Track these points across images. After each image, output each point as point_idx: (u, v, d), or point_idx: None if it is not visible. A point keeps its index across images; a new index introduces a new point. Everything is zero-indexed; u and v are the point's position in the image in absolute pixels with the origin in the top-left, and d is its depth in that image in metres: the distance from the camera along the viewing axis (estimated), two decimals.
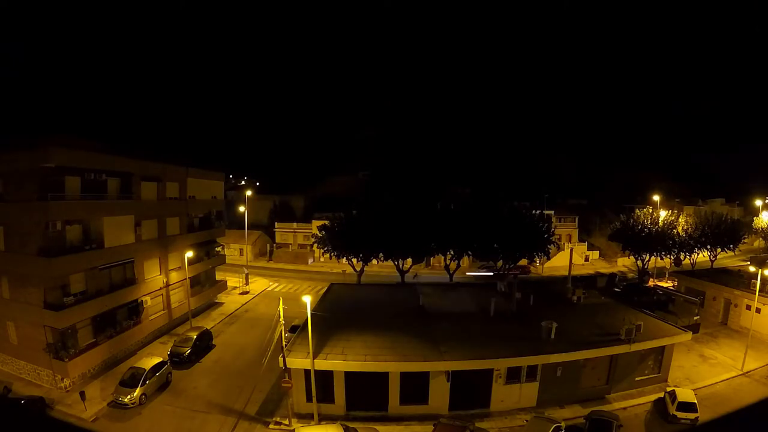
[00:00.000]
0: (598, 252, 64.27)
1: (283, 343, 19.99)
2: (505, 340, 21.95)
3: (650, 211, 47.60)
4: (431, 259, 47.54)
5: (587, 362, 21.77)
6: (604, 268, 57.87)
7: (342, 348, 20.82)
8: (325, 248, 39.41)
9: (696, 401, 19.67)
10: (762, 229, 60.26)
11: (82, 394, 20.42)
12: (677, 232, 45.45)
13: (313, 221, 56.13)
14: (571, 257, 36.18)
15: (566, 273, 34.98)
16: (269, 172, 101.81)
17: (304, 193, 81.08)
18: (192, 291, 32.15)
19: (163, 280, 30.20)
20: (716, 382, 24.05)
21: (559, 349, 21.01)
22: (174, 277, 31.23)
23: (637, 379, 23.13)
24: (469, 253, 38.98)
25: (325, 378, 20.04)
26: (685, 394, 20.22)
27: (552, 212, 60.53)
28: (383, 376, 20.12)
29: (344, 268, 42.84)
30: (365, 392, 20.25)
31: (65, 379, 22.07)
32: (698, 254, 47.83)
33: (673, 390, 20.88)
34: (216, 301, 38.73)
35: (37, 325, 22.35)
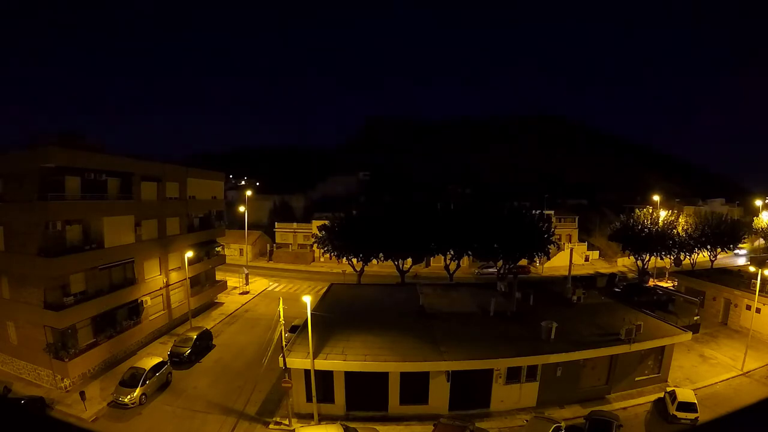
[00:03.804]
0: (598, 252, 64.30)
1: (283, 343, 19.99)
2: (505, 340, 21.98)
3: (650, 211, 47.60)
4: (431, 259, 47.52)
5: (587, 362, 21.77)
6: (604, 268, 57.85)
7: (342, 348, 20.82)
8: (326, 248, 39.39)
9: (696, 401, 19.67)
10: (762, 229, 60.30)
11: (82, 394, 20.44)
12: (677, 232, 45.48)
13: (313, 221, 56.23)
14: (571, 257, 36.12)
15: (566, 273, 34.92)
16: (269, 172, 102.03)
17: (304, 193, 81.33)
18: (192, 291, 32.15)
19: (163, 280, 30.21)
20: (716, 382, 24.06)
21: (559, 349, 21.02)
22: (174, 277, 31.24)
23: (637, 379, 23.12)
24: (469, 253, 39.00)
25: (325, 378, 20.03)
26: (685, 394, 20.22)
27: (552, 212, 60.60)
28: (383, 376, 20.12)
29: (344, 268, 42.84)
30: (365, 392, 20.24)
31: (65, 379, 22.07)
32: (698, 254, 47.86)
33: (673, 390, 20.89)
34: (216, 301, 38.74)
35: (37, 325, 22.36)
